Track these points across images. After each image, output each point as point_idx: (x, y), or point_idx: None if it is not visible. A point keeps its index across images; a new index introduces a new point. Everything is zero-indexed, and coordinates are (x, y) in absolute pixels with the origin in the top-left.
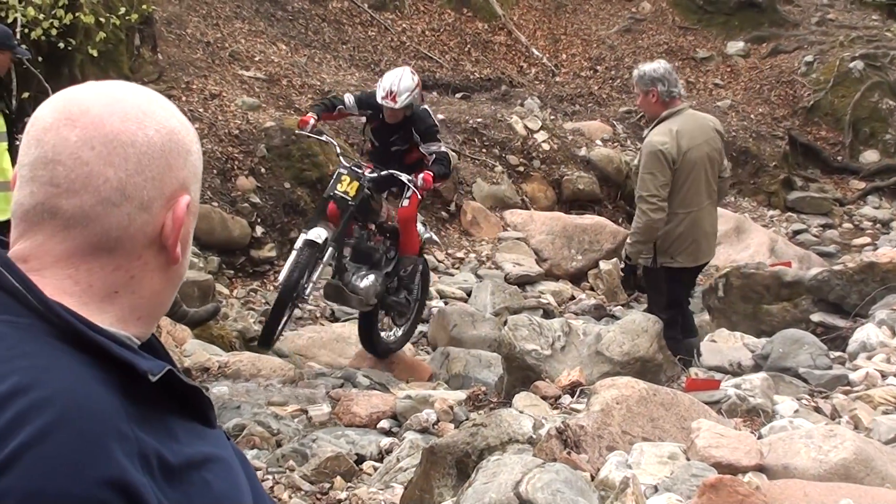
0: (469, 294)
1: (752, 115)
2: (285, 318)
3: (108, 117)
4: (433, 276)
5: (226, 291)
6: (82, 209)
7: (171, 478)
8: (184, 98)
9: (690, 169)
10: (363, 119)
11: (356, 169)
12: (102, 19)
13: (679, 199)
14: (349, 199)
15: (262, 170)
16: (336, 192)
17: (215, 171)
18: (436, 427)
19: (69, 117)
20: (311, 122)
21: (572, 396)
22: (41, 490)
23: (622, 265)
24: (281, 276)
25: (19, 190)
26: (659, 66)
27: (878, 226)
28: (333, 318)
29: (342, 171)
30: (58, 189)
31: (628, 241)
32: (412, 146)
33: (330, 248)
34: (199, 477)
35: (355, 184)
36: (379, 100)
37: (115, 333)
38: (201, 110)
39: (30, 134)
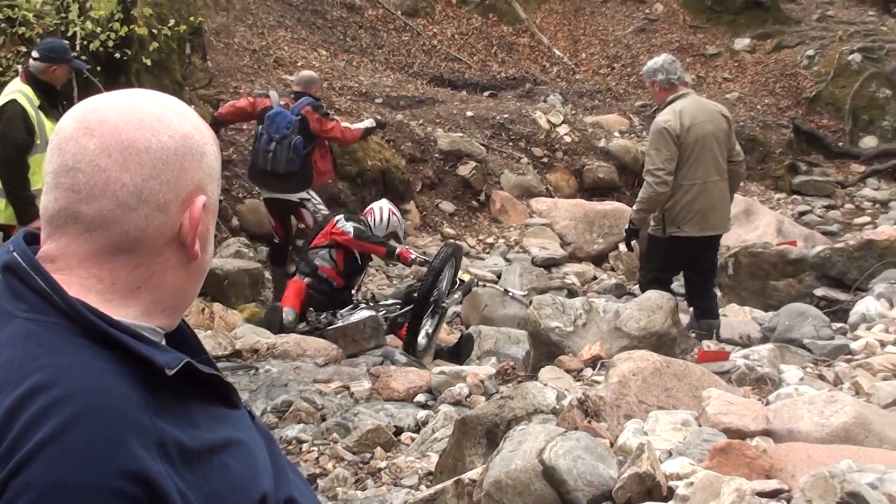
0: (499, 276)
1: (758, 106)
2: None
3: (124, 126)
4: (465, 261)
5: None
6: (102, 213)
7: (190, 462)
8: None
9: (694, 143)
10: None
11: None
12: (155, 31)
13: (685, 172)
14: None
15: None
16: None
17: None
18: (468, 400)
19: (88, 127)
20: (413, 253)
21: (593, 369)
22: (61, 482)
23: (626, 227)
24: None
25: (45, 195)
26: (658, 58)
27: (878, 206)
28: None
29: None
30: (78, 195)
31: (634, 208)
32: None
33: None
34: (219, 461)
35: (467, 274)
36: (401, 237)
37: (139, 326)
38: None
39: (53, 143)
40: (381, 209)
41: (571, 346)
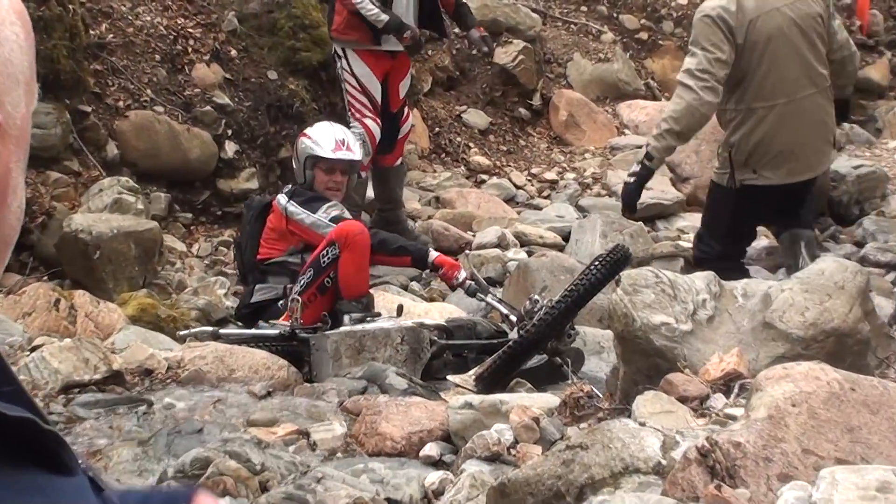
0: (566, 238)
1: None
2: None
3: None
4: (511, 210)
5: (180, 247)
6: None
7: None
8: None
9: (766, 43)
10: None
11: None
12: None
13: (756, 88)
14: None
15: (233, 52)
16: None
17: (158, 58)
18: (512, 452)
19: None
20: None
21: (727, 396)
22: None
23: (635, 167)
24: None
25: None
26: None
27: None
28: None
29: None
30: None
31: (655, 129)
32: None
33: None
34: None
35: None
36: (332, 155)
37: None
38: None
39: None
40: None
41: (689, 356)
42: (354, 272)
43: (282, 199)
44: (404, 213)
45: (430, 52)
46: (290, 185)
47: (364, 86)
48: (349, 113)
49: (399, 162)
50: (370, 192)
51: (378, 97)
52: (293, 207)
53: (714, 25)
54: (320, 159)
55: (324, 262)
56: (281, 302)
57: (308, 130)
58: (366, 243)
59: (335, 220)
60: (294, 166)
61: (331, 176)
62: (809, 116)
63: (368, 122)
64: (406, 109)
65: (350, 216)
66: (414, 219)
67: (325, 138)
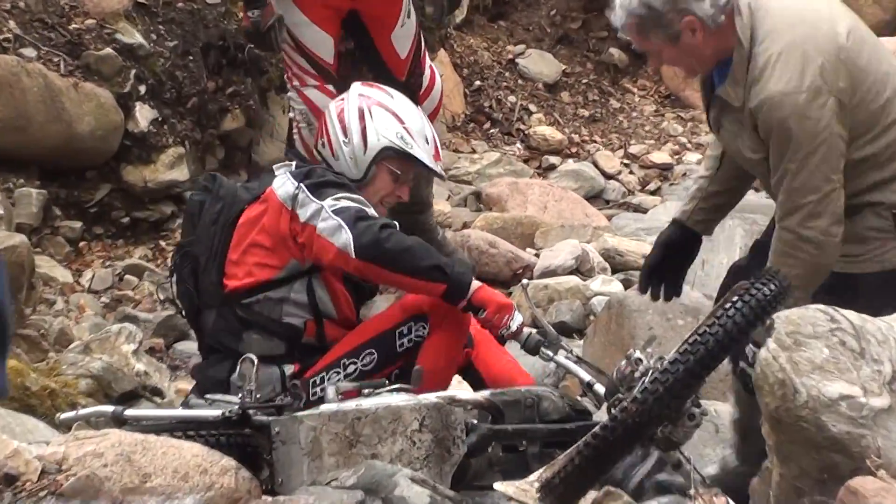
0: None
1: None
2: None
3: None
4: (598, 214)
5: (61, 275)
6: None
7: None
8: None
9: (873, 43)
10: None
11: None
12: None
13: (877, 111)
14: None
15: None
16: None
17: None
18: None
19: None
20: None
21: None
22: None
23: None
24: None
25: None
26: None
27: None
28: None
29: None
30: None
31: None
32: None
33: None
34: None
35: None
36: (432, 165)
37: None
38: None
39: None
40: (342, 112)
41: (885, 448)
42: (445, 366)
43: (288, 185)
44: (433, 217)
45: None
46: (294, 163)
47: (298, 40)
48: (286, 78)
49: None
50: None
51: (327, 56)
52: (305, 194)
53: (826, 110)
54: (406, 159)
55: (401, 344)
56: (280, 398)
57: (385, 100)
58: (468, 321)
59: (340, 212)
60: (340, 138)
61: (399, 189)
62: None
63: (311, 92)
64: (429, 72)
65: (374, 213)
66: (441, 227)
67: (420, 132)
